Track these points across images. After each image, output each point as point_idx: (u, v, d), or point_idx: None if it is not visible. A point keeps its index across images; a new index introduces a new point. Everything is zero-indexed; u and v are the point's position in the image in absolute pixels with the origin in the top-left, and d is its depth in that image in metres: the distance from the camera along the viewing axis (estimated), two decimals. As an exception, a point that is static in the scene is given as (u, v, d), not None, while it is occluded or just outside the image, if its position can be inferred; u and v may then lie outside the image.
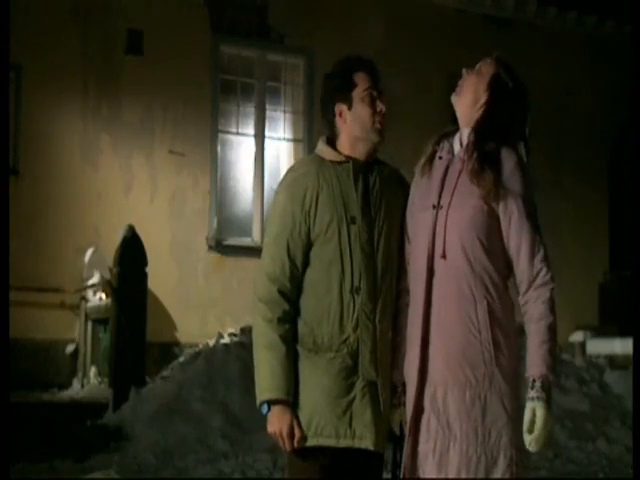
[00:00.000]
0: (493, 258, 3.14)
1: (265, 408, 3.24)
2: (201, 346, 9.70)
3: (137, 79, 10.71)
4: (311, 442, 3.21)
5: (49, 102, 10.24)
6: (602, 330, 11.32)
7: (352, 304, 3.24)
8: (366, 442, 3.21)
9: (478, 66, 3.29)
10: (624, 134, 12.72)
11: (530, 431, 3.03)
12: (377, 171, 3.38)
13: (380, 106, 3.35)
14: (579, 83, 13.09)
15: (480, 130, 3.21)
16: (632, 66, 11.45)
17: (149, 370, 9.07)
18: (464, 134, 3.25)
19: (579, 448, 8.09)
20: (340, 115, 3.37)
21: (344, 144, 3.38)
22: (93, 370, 9.81)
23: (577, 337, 10.65)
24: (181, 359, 9.51)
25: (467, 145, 3.22)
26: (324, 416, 3.21)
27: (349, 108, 3.35)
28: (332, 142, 3.41)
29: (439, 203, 3.17)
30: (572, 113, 13.05)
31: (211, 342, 9.73)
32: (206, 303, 10.69)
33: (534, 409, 3.03)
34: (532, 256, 3.13)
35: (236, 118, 11.42)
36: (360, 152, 3.37)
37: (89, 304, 9.91)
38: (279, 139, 11.63)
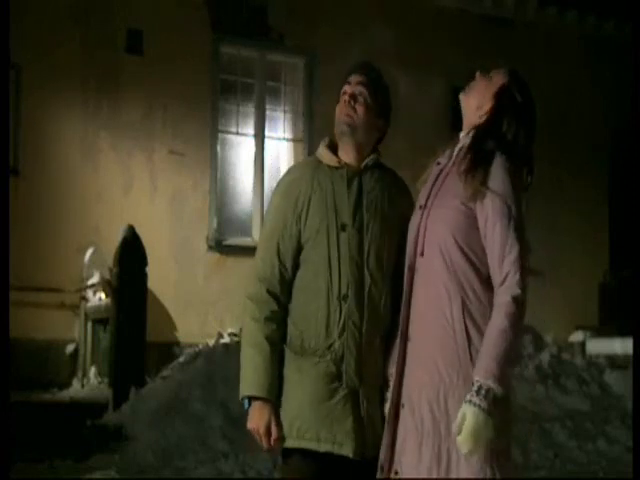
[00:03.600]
0: (470, 257, 3.08)
1: (246, 403, 3.28)
2: (201, 346, 9.69)
3: (137, 79, 10.71)
4: (293, 444, 3.21)
5: (49, 102, 10.23)
6: (602, 330, 11.30)
7: (339, 311, 3.22)
8: (346, 449, 3.18)
9: (491, 73, 3.26)
10: (624, 134, 12.72)
11: (459, 433, 2.93)
12: (376, 177, 3.36)
13: (344, 96, 3.35)
14: (579, 83, 13.08)
15: (477, 135, 3.19)
16: (632, 66, 11.49)
17: (149, 370, 9.07)
18: (462, 136, 3.25)
19: (579, 448, 8.08)
20: None
21: (340, 148, 3.39)
22: (93, 370, 9.81)
23: (577, 337, 10.64)
24: (181, 359, 9.50)
25: (461, 147, 3.22)
26: (306, 419, 3.19)
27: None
28: (335, 147, 3.40)
29: (425, 204, 3.19)
30: (572, 113, 13.04)
31: (211, 342, 9.74)
32: (206, 303, 10.68)
33: (464, 412, 2.93)
34: (502, 258, 3.03)
35: (236, 118, 11.42)
36: (352, 155, 3.34)
37: (89, 304, 9.90)
38: (279, 139, 11.62)
